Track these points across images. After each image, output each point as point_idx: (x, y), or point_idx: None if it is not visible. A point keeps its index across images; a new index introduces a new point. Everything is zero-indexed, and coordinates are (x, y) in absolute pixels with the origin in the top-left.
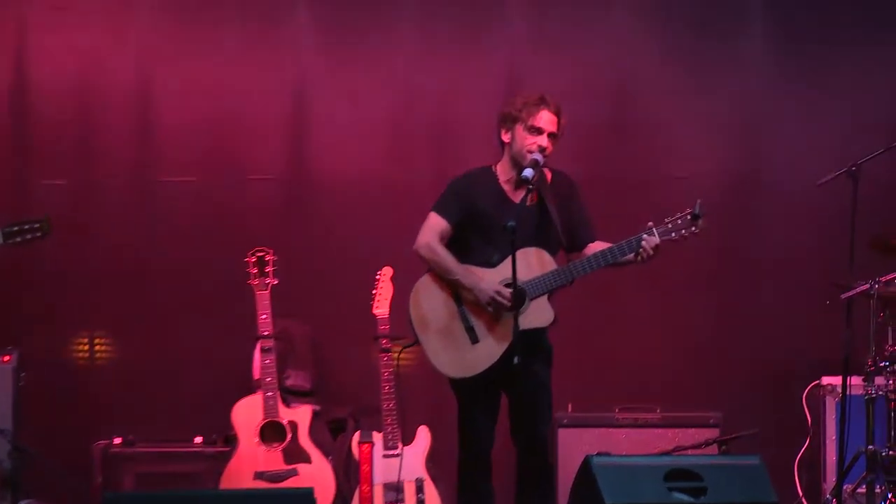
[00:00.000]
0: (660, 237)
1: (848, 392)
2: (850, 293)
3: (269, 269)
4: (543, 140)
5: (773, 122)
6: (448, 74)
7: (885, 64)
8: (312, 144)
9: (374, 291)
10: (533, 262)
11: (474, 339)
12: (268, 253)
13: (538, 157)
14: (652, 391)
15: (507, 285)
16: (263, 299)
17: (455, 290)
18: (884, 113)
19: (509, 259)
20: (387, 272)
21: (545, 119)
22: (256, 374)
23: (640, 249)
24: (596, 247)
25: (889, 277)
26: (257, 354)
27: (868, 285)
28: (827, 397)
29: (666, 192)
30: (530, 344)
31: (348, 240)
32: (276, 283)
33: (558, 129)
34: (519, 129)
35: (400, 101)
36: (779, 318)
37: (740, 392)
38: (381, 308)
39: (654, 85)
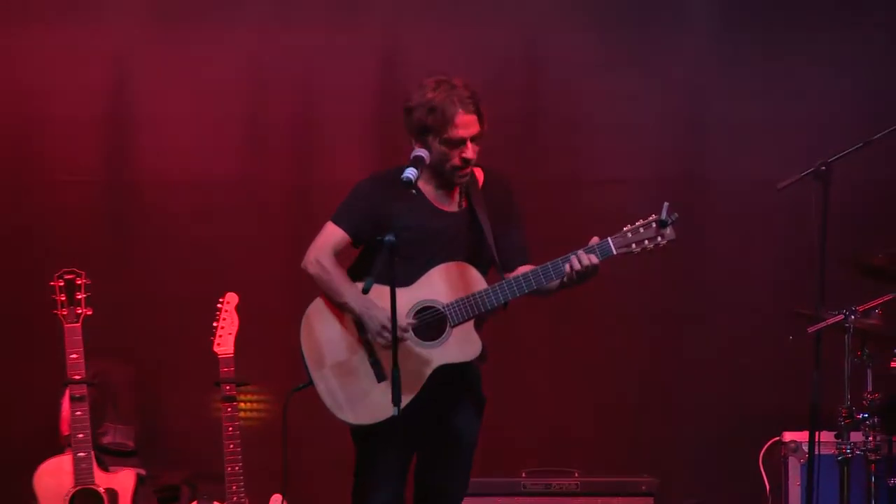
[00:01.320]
0: (616, 250)
1: (816, 451)
2: (820, 325)
3: (80, 295)
4: (468, 151)
5: (722, 116)
6: (310, 53)
7: (857, 49)
8: (137, 141)
9: (214, 324)
10: (456, 281)
11: (380, 377)
12: (79, 275)
13: (422, 153)
14: (571, 452)
15: (424, 310)
16: (73, 334)
17: (342, 311)
18: (856, 104)
19: (430, 276)
20: (231, 300)
21: (464, 124)
22: (65, 428)
23: (569, 268)
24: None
25: (868, 306)
26: (66, 404)
27: (842, 315)
28: (790, 458)
29: (590, 199)
30: (453, 385)
31: (182, 259)
32: (89, 313)
33: (482, 127)
34: (433, 142)
35: (252, 88)
36: (729, 358)
37: (681, 451)
38: (224, 345)
39: (573, 64)
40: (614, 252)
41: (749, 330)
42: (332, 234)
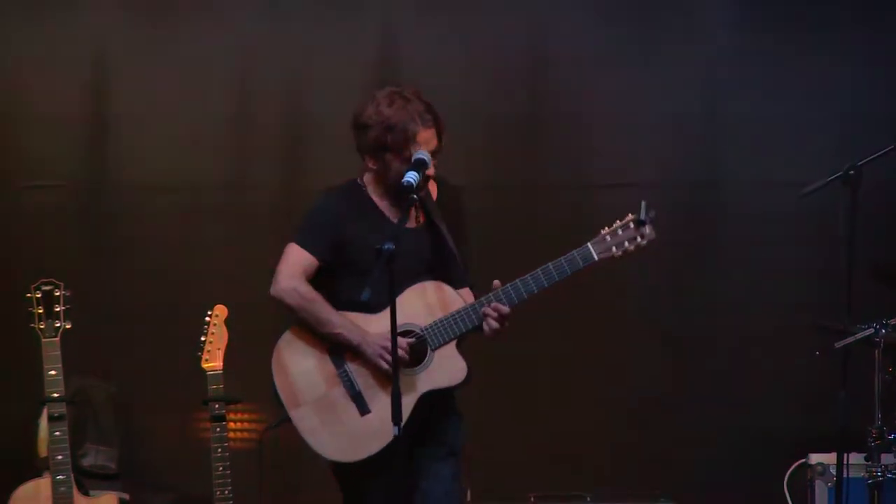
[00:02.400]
0: (598, 255)
1: (845, 474)
2: (848, 340)
3: (59, 308)
4: (430, 169)
5: (738, 115)
6: (301, 48)
7: (883, 46)
8: (117, 142)
9: (202, 338)
10: (432, 301)
11: (364, 410)
12: (58, 287)
13: (424, 155)
14: (582, 475)
15: (404, 333)
16: (52, 349)
17: (332, 345)
18: (882, 104)
19: (404, 298)
20: (220, 313)
21: (425, 140)
22: (43, 450)
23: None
24: (467, 295)
25: None
26: (44, 424)
27: (872, 329)
28: (817, 481)
29: (598, 203)
30: (438, 412)
31: (167, 268)
32: (69, 327)
33: (440, 141)
34: (392, 161)
35: (238, 85)
36: (750, 376)
37: (699, 474)
38: (213, 361)
39: (583, 65)
40: (596, 258)
41: (771, 345)
42: (300, 258)
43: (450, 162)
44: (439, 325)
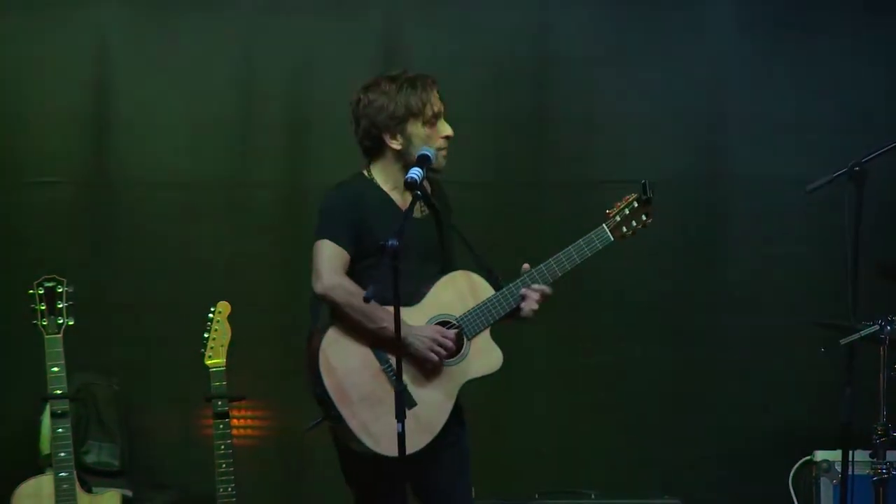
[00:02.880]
0: (613, 236)
1: (850, 471)
2: (853, 336)
3: (62, 304)
4: (447, 128)
5: (746, 111)
6: (304, 44)
7: (890, 42)
8: (118, 138)
9: (206, 335)
10: (464, 290)
11: (410, 404)
12: (60, 283)
13: (427, 152)
14: (587, 472)
15: (442, 324)
16: (54, 346)
17: (374, 342)
18: (889, 100)
19: (436, 290)
20: (223, 309)
21: (436, 99)
22: (46, 447)
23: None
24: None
25: None
26: (47, 421)
27: (877, 326)
28: (822, 478)
29: (604, 200)
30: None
31: (169, 265)
32: (71, 323)
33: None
34: (413, 126)
35: (241, 81)
36: (755, 373)
37: (704, 472)
38: (216, 357)
39: (588, 62)
40: (612, 239)
41: (776, 341)
42: (335, 253)
43: (455, 159)
44: (473, 313)
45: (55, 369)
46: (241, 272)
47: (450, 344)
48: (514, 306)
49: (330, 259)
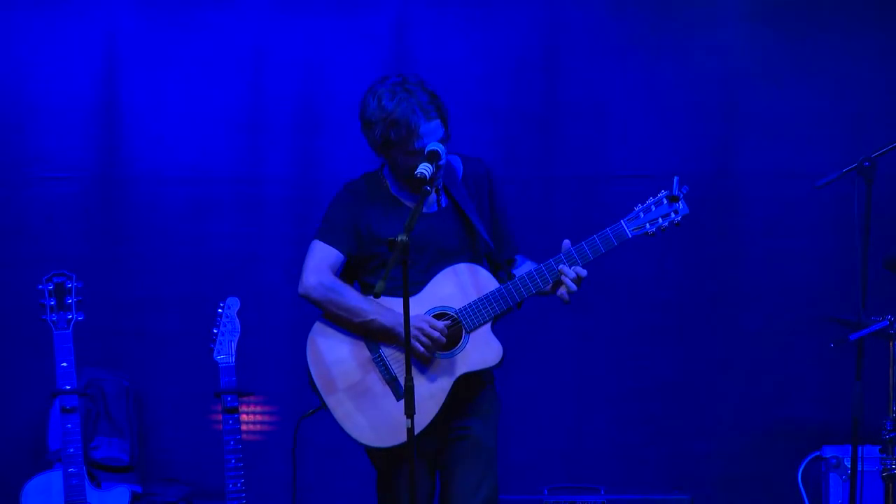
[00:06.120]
0: (631, 232)
1: (859, 467)
2: (863, 332)
3: (70, 299)
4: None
5: (756, 106)
6: (314, 39)
7: None
8: (129, 133)
9: (214, 330)
10: (467, 283)
11: (399, 395)
12: (69, 278)
13: (437, 147)
14: (596, 467)
15: (436, 317)
16: (64, 341)
17: (366, 331)
18: None
19: (437, 281)
20: (232, 305)
21: (429, 132)
22: (54, 442)
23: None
24: (523, 264)
25: None
26: (55, 416)
27: (887, 321)
28: (831, 474)
29: (613, 195)
30: (470, 393)
31: (179, 260)
32: (81, 319)
33: (447, 128)
34: (398, 155)
35: (249, 76)
36: (764, 368)
37: (713, 467)
38: (225, 353)
39: (599, 56)
40: (629, 236)
41: (785, 336)
42: (323, 254)
43: (466, 153)
44: (473, 307)
45: (64, 364)
46: (251, 268)
47: (436, 335)
48: (513, 305)
49: (316, 260)
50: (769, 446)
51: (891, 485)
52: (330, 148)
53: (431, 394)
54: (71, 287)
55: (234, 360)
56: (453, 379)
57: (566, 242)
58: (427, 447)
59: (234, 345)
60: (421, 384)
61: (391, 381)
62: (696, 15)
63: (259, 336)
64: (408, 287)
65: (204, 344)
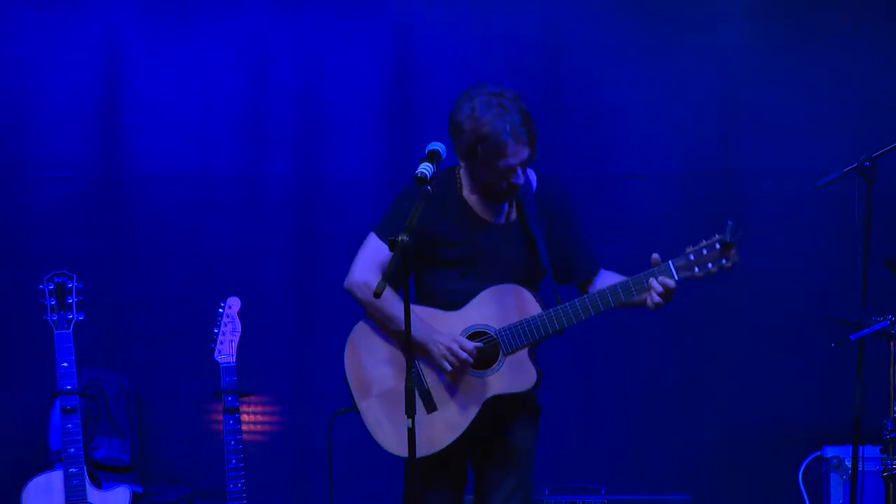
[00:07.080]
0: (678, 274)
1: (860, 467)
2: (863, 332)
3: (71, 299)
4: (518, 177)
5: (757, 106)
6: (316, 37)
7: None
8: (129, 133)
9: (215, 330)
10: (509, 304)
11: (431, 407)
12: (70, 278)
13: (438, 146)
14: (596, 467)
15: (474, 335)
16: (64, 341)
17: (403, 340)
18: None
19: (482, 298)
20: (233, 304)
21: (515, 153)
22: (55, 442)
23: (651, 292)
24: (602, 281)
25: None
26: (56, 416)
27: (888, 321)
28: (831, 474)
29: (614, 194)
30: (505, 411)
31: (179, 260)
32: (81, 318)
33: (533, 151)
34: (481, 167)
35: (249, 76)
36: (764, 368)
37: (714, 467)
38: (226, 353)
39: (599, 55)
40: (676, 278)
41: (786, 336)
42: (377, 250)
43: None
44: (513, 329)
45: (65, 364)
46: (252, 267)
47: (464, 355)
48: (553, 332)
49: (369, 256)
50: (769, 446)
51: (891, 485)
52: (330, 148)
53: (463, 410)
54: (71, 287)
55: (234, 359)
56: (483, 399)
57: (655, 265)
58: (460, 448)
59: (234, 344)
60: (454, 400)
61: (423, 392)
62: (695, 15)
63: (259, 336)
64: (443, 293)
65: (204, 344)
